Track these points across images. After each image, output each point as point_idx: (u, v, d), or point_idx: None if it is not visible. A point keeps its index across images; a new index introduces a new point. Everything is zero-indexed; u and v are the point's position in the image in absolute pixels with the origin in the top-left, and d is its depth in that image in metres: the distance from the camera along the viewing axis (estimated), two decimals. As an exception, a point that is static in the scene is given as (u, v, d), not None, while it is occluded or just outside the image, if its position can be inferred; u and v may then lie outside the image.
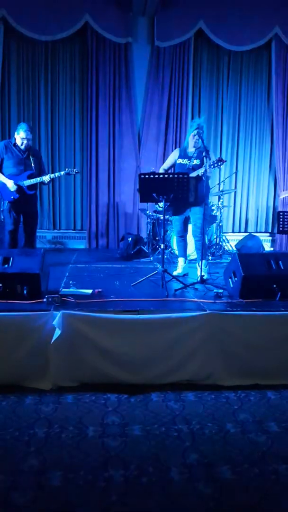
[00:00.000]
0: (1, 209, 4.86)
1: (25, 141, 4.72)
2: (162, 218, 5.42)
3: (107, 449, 2.30)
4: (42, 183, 4.85)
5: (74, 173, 5.03)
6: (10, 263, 3.29)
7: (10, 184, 4.68)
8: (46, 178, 4.76)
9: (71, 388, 2.92)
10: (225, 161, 4.08)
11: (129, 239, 6.29)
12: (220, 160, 4.03)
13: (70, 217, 7.12)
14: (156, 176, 3.87)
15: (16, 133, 4.77)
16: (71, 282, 4.01)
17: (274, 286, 3.44)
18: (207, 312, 3.07)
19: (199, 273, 4.03)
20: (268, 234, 7.52)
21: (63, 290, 3.66)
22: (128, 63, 6.74)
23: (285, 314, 3.13)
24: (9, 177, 4.71)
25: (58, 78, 6.80)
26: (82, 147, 7.00)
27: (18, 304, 3.10)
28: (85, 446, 2.32)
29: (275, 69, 7.00)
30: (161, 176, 3.88)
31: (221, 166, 4.20)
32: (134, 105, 6.84)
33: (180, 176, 3.87)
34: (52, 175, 4.86)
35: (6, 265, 3.27)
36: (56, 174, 5.02)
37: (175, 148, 6.87)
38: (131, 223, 7.06)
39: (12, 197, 4.72)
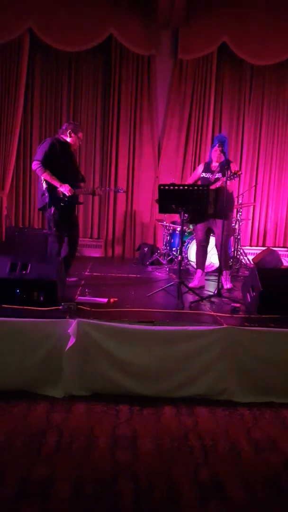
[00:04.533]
0: (50, 216, 4.24)
1: (79, 143, 4.30)
2: (179, 229, 5.40)
3: (118, 461, 2.26)
4: (92, 194, 4.52)
5: (121, 191, 4.82)
6: (28, 270, 3.30)
7: (67, 189, 4.12)
8: (100, 192, 4.45)
9: (83, 398, 2.90)
10: (241, 173, 4.14)
11: (145, 249, 6.29)
12: (235, 173, 4.07)
13: (87, 225, 7.15)
14: (176, 187, 3.86)
15: (71, 132, 4.24)
16: (86, 290, 4.01)
17: (293, 302, 3.37)
18: (224, 326, 3.03)
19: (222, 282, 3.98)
20: (286, 249, 7.42)
21: (79, 298, 3.66)
22: (151, 75, 6.78)
23: (303, 331, 3.06)
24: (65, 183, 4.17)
25: (81, 88, 6.89)
26: (102, 156, 7.05)
27: (34, 311, 3.10)
28: (96, 457, 2.29)
29: (298, 84, 6.98)
30: (181, 187, 3.87)
31: (240, 178, 4.20)
32: (155, 117, 6.88)
33: (200, 188, 3.86)
34: (103, 189, 4.66)
35: (24, 272, 3.29)
36: (108, 189, 4.96)
37: (195, 160, 6.93)
38: (148, 233, 7.05)
39: (62, 203, 4.19)
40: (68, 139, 4.28)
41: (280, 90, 7.17)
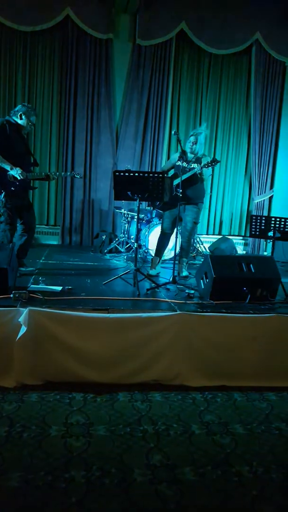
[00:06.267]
0: (0, 202, 4.00)
1: (30, 128, 4.18)
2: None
3: (70, 449, 2.24)
4: (45, 178, 4.28)
5: (78, 177, 4.60)
6: (-23, 257, 3.19)
7: (18, 172, 3.94)
8: (53, 176, 4.25)
9: (36, 387, 2.85)
10: (219, 161, 4.24)
11: (103, 236, 6.25)
12: (214, 161, 4.16)
13: (43, 212, 6.99)
14: (131, 174, 3.83)
15: (22, 115, 4.08)
16: (40, 278, 3.93)
17: (244, 288, 3.46)
18: (177, 312, 3.06)
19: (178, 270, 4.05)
20: (241, 238, 7.60)
21: (31, 286, 3.58)
22: (108, 60, 6.67)
23: (253, 316, 3.15)
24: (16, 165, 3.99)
25: (37, 70, 6.67)
26: (58, 141, 6.89)
27: (-17, 299, 3.01)
28: (47, 446, 2.26)
29: (255, 74, 7.08)
30: (136, 174, 3.84)
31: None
32: (113, 102, 6.78)
33: (155, 175, 3.85)
34: (58, 174, 4.41)
35: (-27, 259, 3.17)
36: (63, 174, 4.62)
37: (153, 147, 6.91)
38: (106, 221, 6.99)
39: (13, 188, 4.00)
40: (20, 121, 4.10)
41: (237, 79, 7.27)
